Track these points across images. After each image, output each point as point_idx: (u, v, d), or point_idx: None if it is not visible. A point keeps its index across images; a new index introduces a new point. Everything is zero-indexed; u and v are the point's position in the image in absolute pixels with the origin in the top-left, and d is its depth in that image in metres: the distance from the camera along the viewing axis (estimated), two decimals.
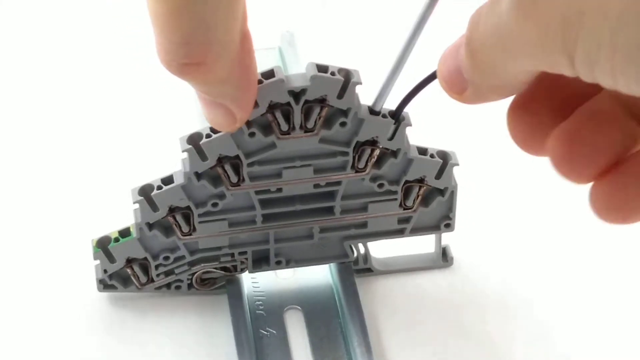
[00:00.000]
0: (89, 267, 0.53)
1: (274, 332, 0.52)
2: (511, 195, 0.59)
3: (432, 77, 0.43)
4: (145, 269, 0.52)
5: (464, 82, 0.36)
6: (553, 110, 0.36)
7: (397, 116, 0.48)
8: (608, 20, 0.30)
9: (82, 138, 0.62)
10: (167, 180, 0.49)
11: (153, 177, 0.49)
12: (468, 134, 0.62)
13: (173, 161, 0.50)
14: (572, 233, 0.57)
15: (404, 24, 0.65)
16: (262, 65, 0.45)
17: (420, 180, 0.51)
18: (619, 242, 0.56)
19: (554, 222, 0.57)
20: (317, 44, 0.67)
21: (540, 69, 0.33)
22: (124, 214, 0.52)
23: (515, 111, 0.37)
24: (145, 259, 0.52)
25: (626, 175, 0.35)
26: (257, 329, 0.52)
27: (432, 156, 0.50)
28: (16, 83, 0.66)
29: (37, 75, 0.66)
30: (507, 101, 0.61)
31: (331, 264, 0.54)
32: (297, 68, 0.63)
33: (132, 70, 0.66)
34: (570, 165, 0.36)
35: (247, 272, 0.53)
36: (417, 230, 0.53)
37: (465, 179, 0.53)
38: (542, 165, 0.60)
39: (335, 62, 0.48)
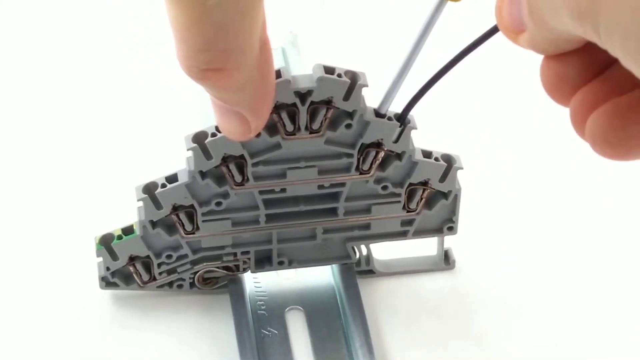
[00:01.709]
0: (92, 264, 0.53)
1: (276, 332, 0.52)
2: (514, 200, 0.59)
3: (493, 31, 0.41)
4: (147, 267, 0.52)
5: (522, 24, 0.35)
6: (585, 66, 0.36)
7: (402, 119, 0.48)
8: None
9: (85, 136, 0.62)
10: (172, 178, 0.49)
11: (157, 175, 0.49)
12: (473, 138, 0.62)
13: (177, 159, 0.50)
14: (574, 237, 0.57)
15: (403, 24, 0.65)
16: None
17: (424, 183, 0.51)
18: (620, 244, 0.56)
19: (555, 227, 0.57)
20: (320, 45, 0.67)
21: (579, 34, 0.32)
22: (127, 211, 0.52)
23: (549, 58, 0.36)
24: (148, 257, 0.52)
25: None
26: (259, 329, 0.52)
27: (436, 159, 0.50)
28: (18, 83, 0.66)
29: (39, 75, 0.66)
30: (513, 111, 0.61)
31: (333, 265, 0.54)
32: (300, 68, 0.63)
33: (134, 69, 0.66)
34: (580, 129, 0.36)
35: (249, 271, 0.53)
36: (420, 232, 0.53)
37: (469, 182, 0.53)
38: (544, 170, 0.60)
39: (338, 62, 0.48)
